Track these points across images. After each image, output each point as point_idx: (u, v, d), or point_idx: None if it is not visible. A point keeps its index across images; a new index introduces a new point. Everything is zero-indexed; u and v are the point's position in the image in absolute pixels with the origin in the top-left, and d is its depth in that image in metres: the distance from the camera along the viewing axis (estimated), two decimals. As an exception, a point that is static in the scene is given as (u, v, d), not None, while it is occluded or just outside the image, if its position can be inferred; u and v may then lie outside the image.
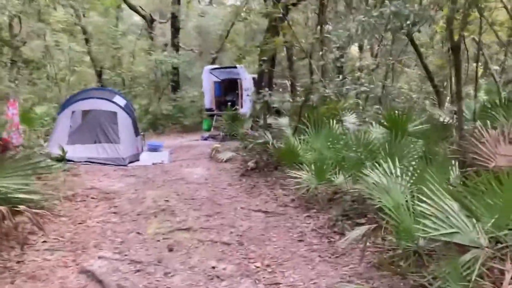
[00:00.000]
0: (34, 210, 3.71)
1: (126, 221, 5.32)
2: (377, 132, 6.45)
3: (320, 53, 8.14)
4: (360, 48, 15.69)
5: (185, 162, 10.45)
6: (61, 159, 9.31)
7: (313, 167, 5.75)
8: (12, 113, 7.29)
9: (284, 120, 9.81)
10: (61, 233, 4.77)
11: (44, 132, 11.50)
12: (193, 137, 15.74)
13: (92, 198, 6.50)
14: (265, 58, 8.39)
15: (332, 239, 4.65)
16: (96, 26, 18.91)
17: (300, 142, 6.83)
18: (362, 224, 4.97)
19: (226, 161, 9.77)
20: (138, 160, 10.57)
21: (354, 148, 5.57)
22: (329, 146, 6.35)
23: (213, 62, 22.19)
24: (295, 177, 5.97)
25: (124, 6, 20.65)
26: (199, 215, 5.58)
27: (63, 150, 9.33)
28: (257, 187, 7.07)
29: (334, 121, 7.71)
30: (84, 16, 18.41)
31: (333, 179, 5.71)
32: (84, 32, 18.08)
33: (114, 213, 5.68)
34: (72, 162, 9.57)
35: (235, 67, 15.76)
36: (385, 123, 6.33)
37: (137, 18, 23.96)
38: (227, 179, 7.99)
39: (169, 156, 11.47)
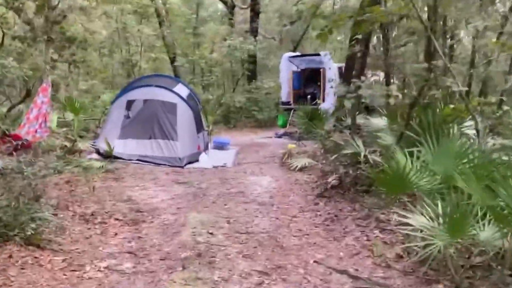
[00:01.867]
0: None
1: (140, 272, 3.54)
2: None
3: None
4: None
5: (251, 166, 8.67)
6: (108, 156, 8.01)
7: (440, 209, 3.43)
8: (42, 101, 5.95)
9: (378, 121, 7.40)
10: (34, 291, 3.13)
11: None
12: (267, 134, 14.04)
13: (116, 219, 4.89)
14: (358, 36, 6.12)
15: None
16: (172, 10, 17.78)
17: (410, 160, 4.47)
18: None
19: (300, 170, 7.77)
20: (197, 160, 8.96)
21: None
22: (466, 171, 3.86)
23: (294, 50, 20.11)
24: (405, 221, 3.68)
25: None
26: (249, 270, 3.62)
27: (109, 146, 8.00)
28: (341, 220, 4.91)
29: (455, 128, 5.26)
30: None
31: (474, 231, 3.37)
32: (158, 15, 16.99)
33: (130, 253, 3.95)
34: (122, 160, 8.28)
35: (318, 55, 13.55)
36: None
37: (220, 6, 22.78)
38: (298, 200, 5.94)
39: (234, 157, 9.80)
